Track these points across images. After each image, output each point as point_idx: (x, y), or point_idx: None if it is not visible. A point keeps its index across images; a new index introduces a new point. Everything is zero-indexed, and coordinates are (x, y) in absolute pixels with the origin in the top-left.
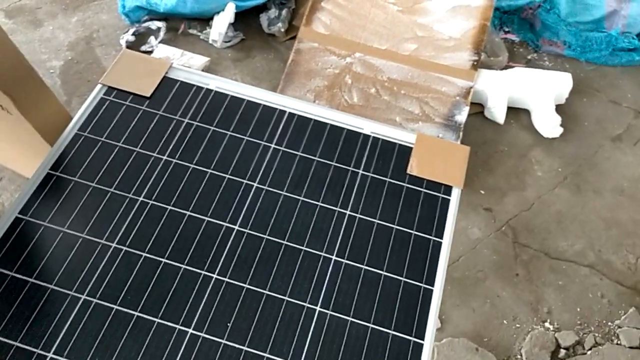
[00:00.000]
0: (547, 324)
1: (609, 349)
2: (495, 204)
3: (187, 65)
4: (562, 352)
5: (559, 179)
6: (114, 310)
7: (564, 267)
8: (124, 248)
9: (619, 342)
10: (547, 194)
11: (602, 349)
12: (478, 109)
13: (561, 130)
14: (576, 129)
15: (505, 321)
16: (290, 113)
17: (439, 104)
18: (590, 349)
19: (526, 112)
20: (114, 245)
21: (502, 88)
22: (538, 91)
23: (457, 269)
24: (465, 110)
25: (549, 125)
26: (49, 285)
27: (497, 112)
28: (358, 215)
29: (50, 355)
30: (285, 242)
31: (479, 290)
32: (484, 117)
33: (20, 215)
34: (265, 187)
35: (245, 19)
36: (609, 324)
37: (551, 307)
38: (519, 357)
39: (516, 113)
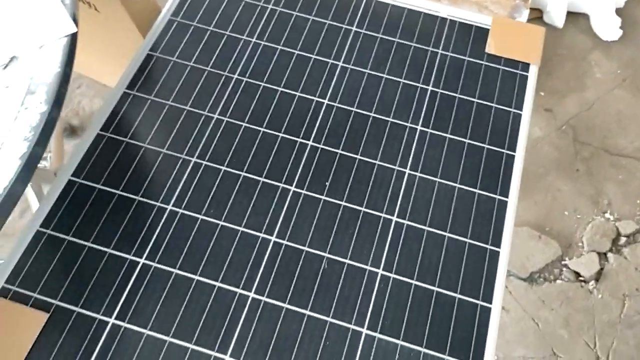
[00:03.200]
0: (607, 215)
1: None
2: (555, 105)
3: None
4: (623, 239)
5: (618, 81)
6: (200, 220)
7: (624, 162)
8: (225, 118)
9: None
10: (606, 95)
11: None
12: (537, 14)
13: (620, 32)
14: (635, 31)
15: (566, 212)
16: None
17: (498, 7)
18: None
19: (585, 16)
20: (216, 116)
21: None
22: None
23: None
24: (525, 13)
25: (608, 27)
26: (136, 197)
27: (556, 16)
28: (440, 91)
29: (143, 260)
30: (372, 114)
31: (541, 184)
32: (543, 22)
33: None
34: (350, 66)
35: None
36: None
37: (611, 200)
38: (580, 244)
39: (575, 17)
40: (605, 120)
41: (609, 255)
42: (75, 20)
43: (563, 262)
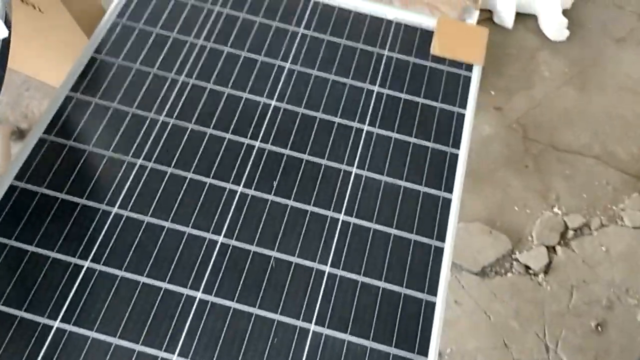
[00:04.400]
0: (555, 209)
1: (613, 230)
2: (505, 103)
3: None
4: (571, 233)
5: (565, 79)
6: (146, 222)
7: (570, 158)
8: (171, 120)
9: (622, 223)
10: (554, 92)
11: (607, 229)
12: (487, 15)
13: (567, 33)
14: (581, 32)
15: (516, 207)
16: (314, 2)
17: (449, 8)
18: (596, 230)
19: (533, 17)
20: (162, 118)
21: None
22: None
23: (469, 163)
24: (475, 14)
25: (555, 27)
26: (80, 200)
27: (506, 17)
28: (386, 91)
29: (87, 264)
30: (319, 115)
31: (491, 180)
32: (493, 23)
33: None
34: (297, 68)
35: None
36: (614, 207)
37: (559, 194)
38: (530, 238)
39: (524, 18)
40: (552, 118)
41: (558, 248)
42: (8, 23)
43: (513, 256)
